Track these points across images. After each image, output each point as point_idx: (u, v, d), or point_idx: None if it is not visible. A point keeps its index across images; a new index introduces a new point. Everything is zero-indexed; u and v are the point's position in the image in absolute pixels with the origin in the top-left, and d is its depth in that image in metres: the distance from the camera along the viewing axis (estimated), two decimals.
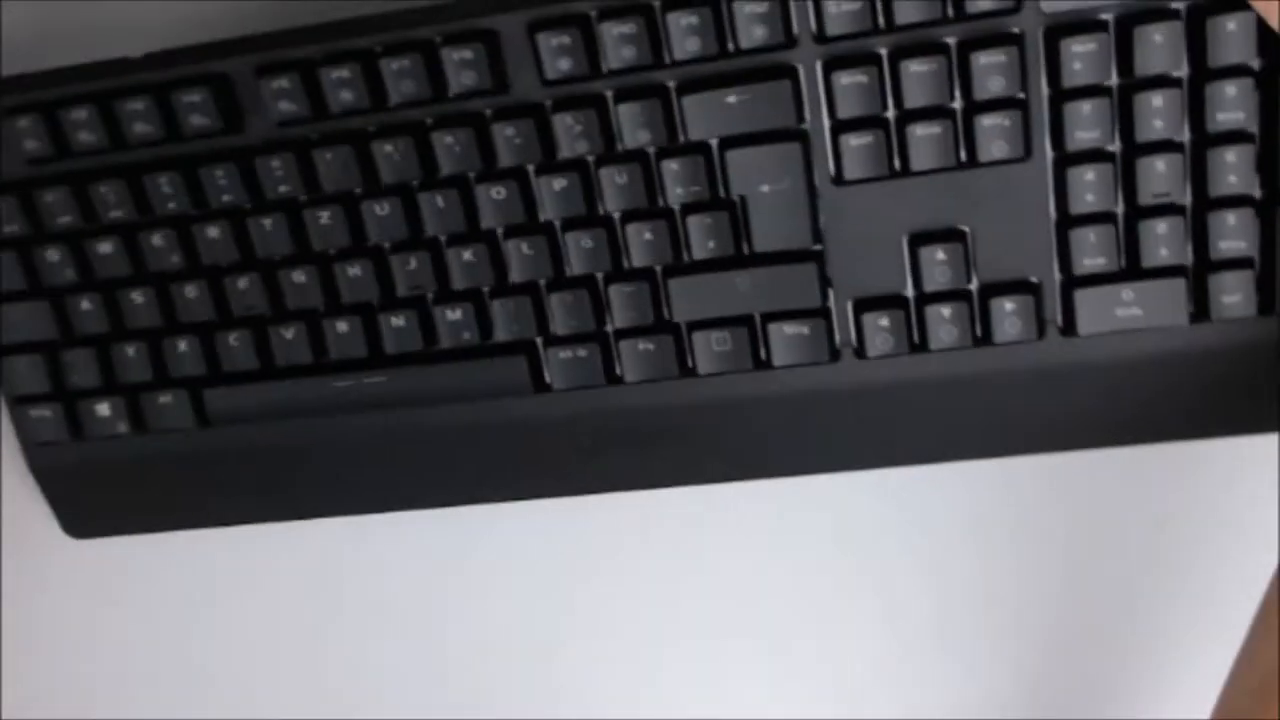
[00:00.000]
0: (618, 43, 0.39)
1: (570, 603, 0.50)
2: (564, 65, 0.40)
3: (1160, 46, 0.37)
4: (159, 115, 0.42)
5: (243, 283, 0.44)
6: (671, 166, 0.41)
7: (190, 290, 0.45)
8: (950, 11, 0.38)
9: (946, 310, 0.41)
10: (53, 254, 0.45)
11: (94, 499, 0.49)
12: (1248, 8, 0.36)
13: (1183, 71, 0.38)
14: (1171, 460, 0.44)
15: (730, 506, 0.47)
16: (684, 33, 0.39)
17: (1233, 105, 0.37)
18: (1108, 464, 0.44)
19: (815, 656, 0.49)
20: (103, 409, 0.47)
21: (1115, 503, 0.45)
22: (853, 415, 0.44)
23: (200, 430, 0.47)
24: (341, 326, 0.45)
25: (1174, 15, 0.37)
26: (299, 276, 0.44)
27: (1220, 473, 0.44)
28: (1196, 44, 0.37)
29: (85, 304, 0.46)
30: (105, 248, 0.45)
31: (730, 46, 0.39)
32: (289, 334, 0.45)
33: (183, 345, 0.46)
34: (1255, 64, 0.37)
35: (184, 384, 0.46)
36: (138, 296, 0.45)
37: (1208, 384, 0.42)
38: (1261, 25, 0.37)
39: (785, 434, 0.44)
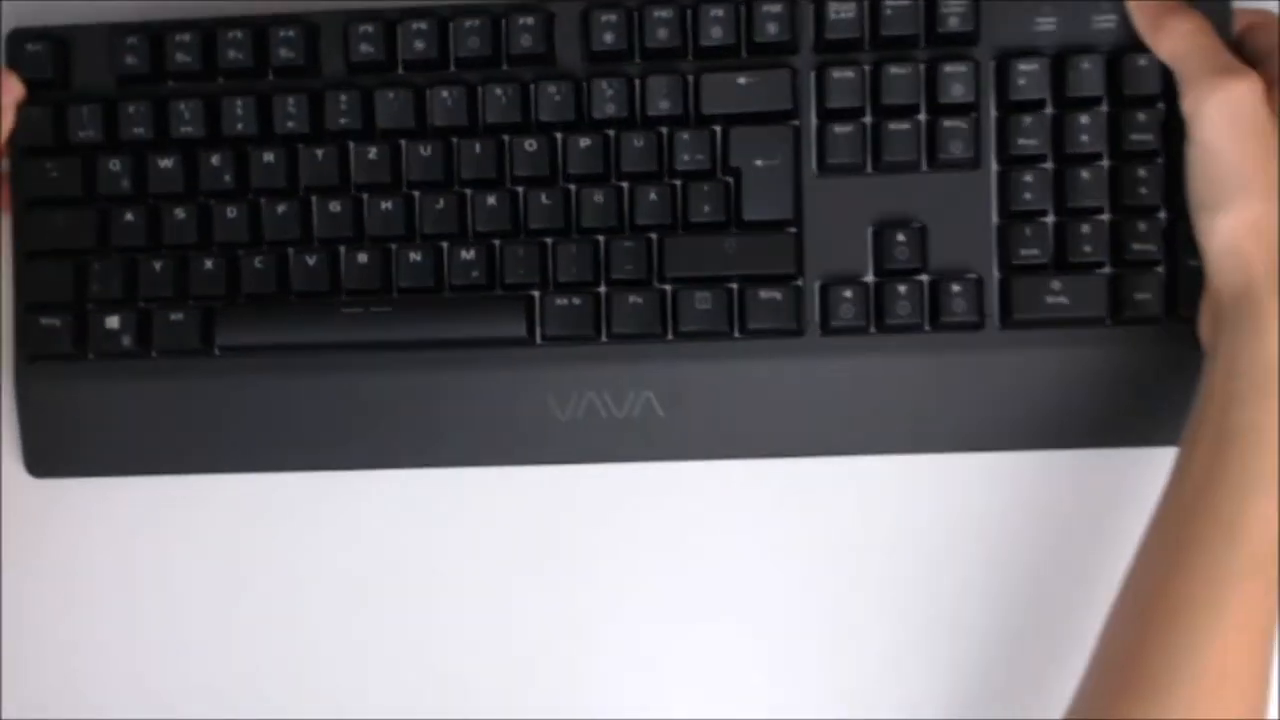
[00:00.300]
0: (655, 25, 0.48)
1: (533, 572, 0.51)
2: (608, 39, 0.48)
3: (1087, 74, 0.46)
4: (251, 47, 0.49)
5: (281, 208, 0.50)
6: (683, 136, 0.48)
7: (231, 211, 0.50)
8: (924, 30, 0.47)
9: (903, 288, 0.47)
10: (114, 164, 0.50)
11: (70, 433, 0.51)
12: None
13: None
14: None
15: (698, 484, 0.51)
16: (710, 23, 0.48)
17: (1143, 128, 0.46)
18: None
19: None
20: (112, 322, 0.50)
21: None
22: (813, 396, 0.48)
23: (202, 360, 0.50)
24: (361, 257, 0.49)
25: (1098, 49, 0.47)
26: (335, 207, 0.49)
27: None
28: (1115, 75, 0.47)
29: (129, 216, 0.50)
30: (165, 162, 0.50)
31: (745, 39, 0.48)
32: (311, 260, 0.50)
33: (209, 264, 0.50)
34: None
35: (199, 303, 0.50)
36: (180, 213, 0.50)
37: (1125, 393, 0.47)
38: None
39: (750, 413, 0.49)
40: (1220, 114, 0.43)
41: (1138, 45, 0.46)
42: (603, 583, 0.51)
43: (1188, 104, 0.43)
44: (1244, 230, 0.42)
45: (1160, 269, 0.47)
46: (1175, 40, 0.44)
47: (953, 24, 0.47)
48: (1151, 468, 0.47)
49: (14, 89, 0.49)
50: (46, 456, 0.51)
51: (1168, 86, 0.46)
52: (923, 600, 0.50)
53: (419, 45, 0.49)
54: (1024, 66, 0.47)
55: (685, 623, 0.51)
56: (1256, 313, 0.42)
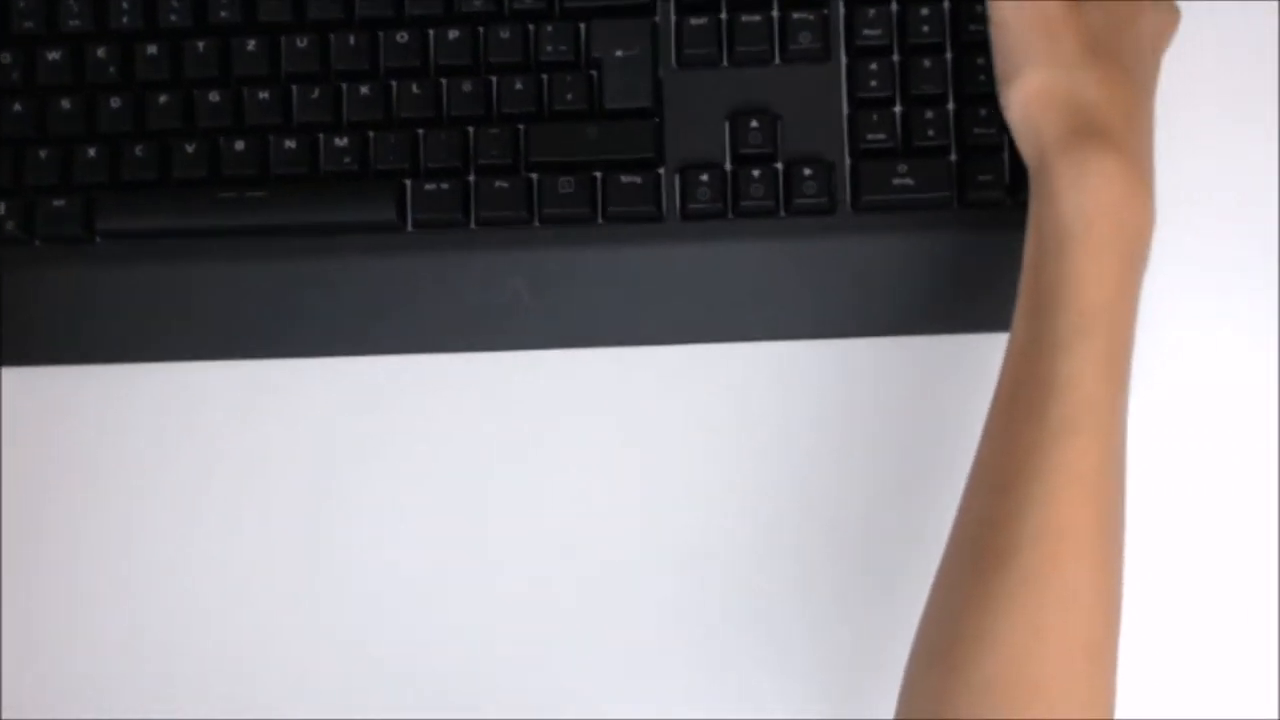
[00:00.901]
0: None
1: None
2: None
3: None
4: None
5: (163, 98, 0.51)
6: (547, 28, 0.50)
7: (115, 101, 0.51)
8: None
9: (757, 172, 0.49)
10: (4, 56, 0.52)
11: None
12: None
13: None
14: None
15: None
16: None
17: (981, 19, 0.49)
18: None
19: None
20: None
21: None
22: (674, 283, 0.50)
23: (85, 246, 0.51)
24: (239, 145, 0.51)
25: None
26: (215, 97, 0.51)
27: None
28: None
29: (16, 107, 0.52)
30: (53, 55, 0.52)
31: None
32: (190, 148, 0.51)
33: (92, 152, 0.52)
34: None
35: (83, 191, 0.51)
36: (66, 104, 0.52)
37: (973, 276, 0.49)
38: None
39: (614, 300, 0.50)
40: None
41: None
42: (461, 472, 0.52)
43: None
44: (1032, 98, 0.43)
45: (1005, 155, 0.49)
46: None
47: None
48: (996, 352, 0.49)
49: None
50: None
51: None
52: (771, 487, 0.50)
53: None
54: None
55: (537, 517, 0.51)
56: (1049, 177, 0.42)
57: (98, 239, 0.51)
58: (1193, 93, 0.50)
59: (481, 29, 0.51)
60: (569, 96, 0.50)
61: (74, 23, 0.52)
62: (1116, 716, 0.42)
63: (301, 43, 0.51)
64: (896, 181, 0.49)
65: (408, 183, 0.51)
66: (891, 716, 0.41)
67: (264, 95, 0.51)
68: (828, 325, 0.50)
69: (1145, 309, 0.42)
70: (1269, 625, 0.49)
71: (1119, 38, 0.44)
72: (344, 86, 0.51)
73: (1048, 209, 0.42)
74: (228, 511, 0.52)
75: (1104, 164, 0.42)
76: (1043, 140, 0.43)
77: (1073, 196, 0.42)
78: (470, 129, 0.50)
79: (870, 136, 0.49)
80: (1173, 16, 0.46)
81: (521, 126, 0.50)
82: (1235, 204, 0.51)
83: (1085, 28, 0.43)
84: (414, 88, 0.51)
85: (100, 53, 0.52)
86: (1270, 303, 0.51)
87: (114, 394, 0.53)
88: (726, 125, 0.50)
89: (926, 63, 0.49)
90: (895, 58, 0.49)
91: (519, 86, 0.50)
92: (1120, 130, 0.42)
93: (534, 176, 0.50)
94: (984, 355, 0.50)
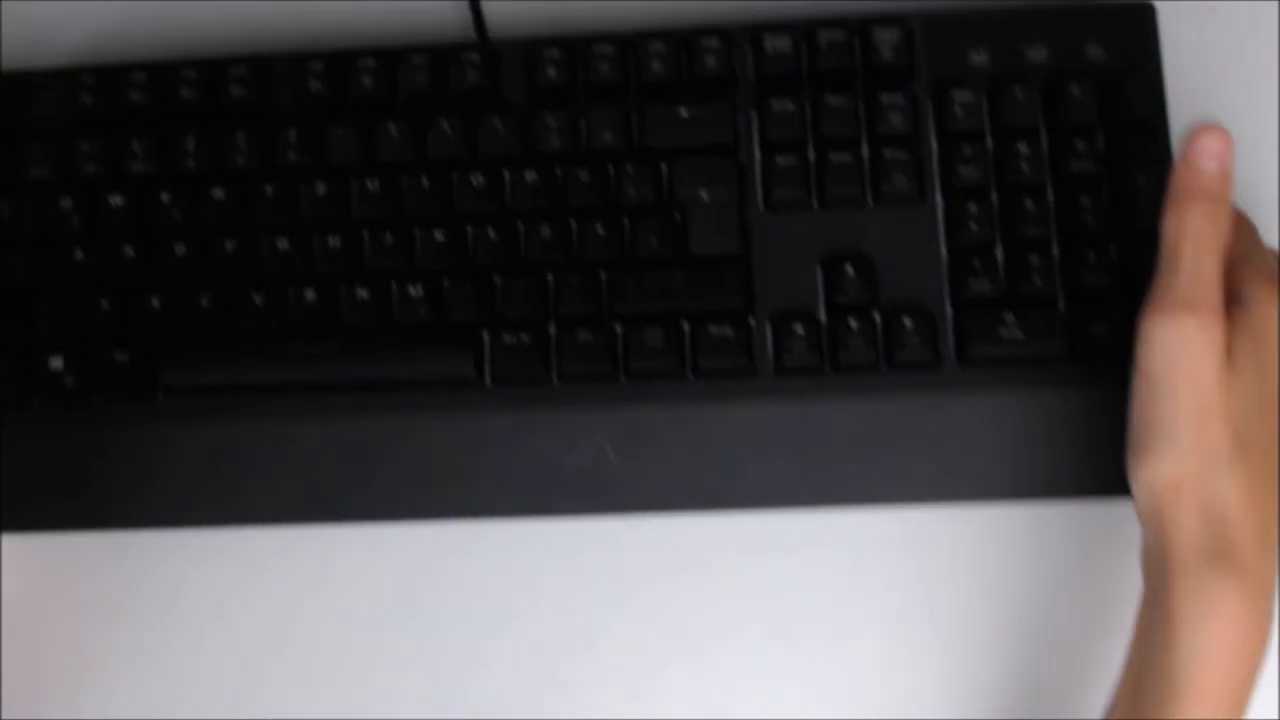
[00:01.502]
0: (598, 60, 0.48)
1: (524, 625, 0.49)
2: (551, 74, 0.48)
3: (1023, 103, 0.47)
4: (204, 85, 0.50)
5: (230, 245, 0.49)
6: (629, 169, 0.48)
7: (179, 248, 0.50)
8: (861, 62, 0.48)
9: (855, 324, 0.47)
10: (66, 201, 0.50)
11: (11, 486, 0.49)
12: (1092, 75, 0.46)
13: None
14: None
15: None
16: (651, 58, 0.48)
17: (1083, 156, 0.46)
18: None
19: None
20: (56, 362, 0.50)
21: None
22: (769, 442, 0.47)
23: (148, 403, 0.49)
24: (309, 295, 0.49)
25: (1033, 79, 0.47)
26: (282, 243, 0.49)
27: None
28: (1052, 104, 0.47)
29: (79, 254, 0.50)
30: (117, 200, 0.50)
31: (686, 73, 0.48)
32: (259, 299, 0.49)
33: (155, 302, 0.50)
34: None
35: (146, 344, 0.49)
36: (130, 251, 0.50)
37: (1089, 434, 0.46)
38: (1102, 90, 0.46)
39: (705, 462, 0.47)
40: (1163, 347, 0.40)
41: (1072, 73, 0.47)
42: (560, 638, 0.49)
43: (1142, 321, 0.41)
44: (1164, 488, 0.40)
45: (1118, 302, 0.46)
46: (1177, 224, 0.42)
47: (888, 57, 0.47)
48: (1111, 518, 0.46)
49: None
50: None
51: (1105, 113, 0.47)
52: (880, 655, 0.48)
53: (367, 83, 0.49)
54: (960, 96, 0.47)
55: (638, 679, 0.49)
56: (1168, 597, 0.39)
57: (161, 395, 0.49)
58: (1193, 92, 0.49)
59: (559, 169, 0.49)
60: (653, 241, 0.48)
61: (137, 166, 0.50)
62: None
63: (372, 185, 0.49)
64: (1004, 334, 0.46)
65: (485, 334, 0.48)
66: None
67: (334, 241, 0.49)
68: (934, 489, 0.46)
69: None
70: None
71: (1269, 425, 0.40)
72: (417, 231, 0.49)
73: (1160, 637, 0.39)
74: (294, 679, 0.49)
75: (1229, 602, 0.38)
76: (1167, 542, 0.40)
77: (1190, 637, 0.38)
78: (549, 275, 0.48)
79: (973, 284, 0.46)
80: None
81: (603, 273, 0.48)
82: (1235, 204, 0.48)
83: (1237, 413, 0.40)
84: (490, 232, 0.48)
85: (164, 197, 0.50)
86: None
87: (171, 558, 0.50)
88: (819, 271, 0.47)
89: (1029, 203, 0.47)
90: (994, 198, 0.47)
91: (600, 231, 0.48)
92: (1254, 553, 0.39)
93: (618, 328, 0.48)
94: (1100, 522, 0.47)
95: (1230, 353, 0.40)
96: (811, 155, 0.48)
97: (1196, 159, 0.42)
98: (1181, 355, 0.40)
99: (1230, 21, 0.51)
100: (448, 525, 0.49)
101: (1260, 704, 0.46)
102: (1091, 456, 0.46)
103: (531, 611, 0.49)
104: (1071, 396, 0.46)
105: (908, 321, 0.46)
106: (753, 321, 0.47)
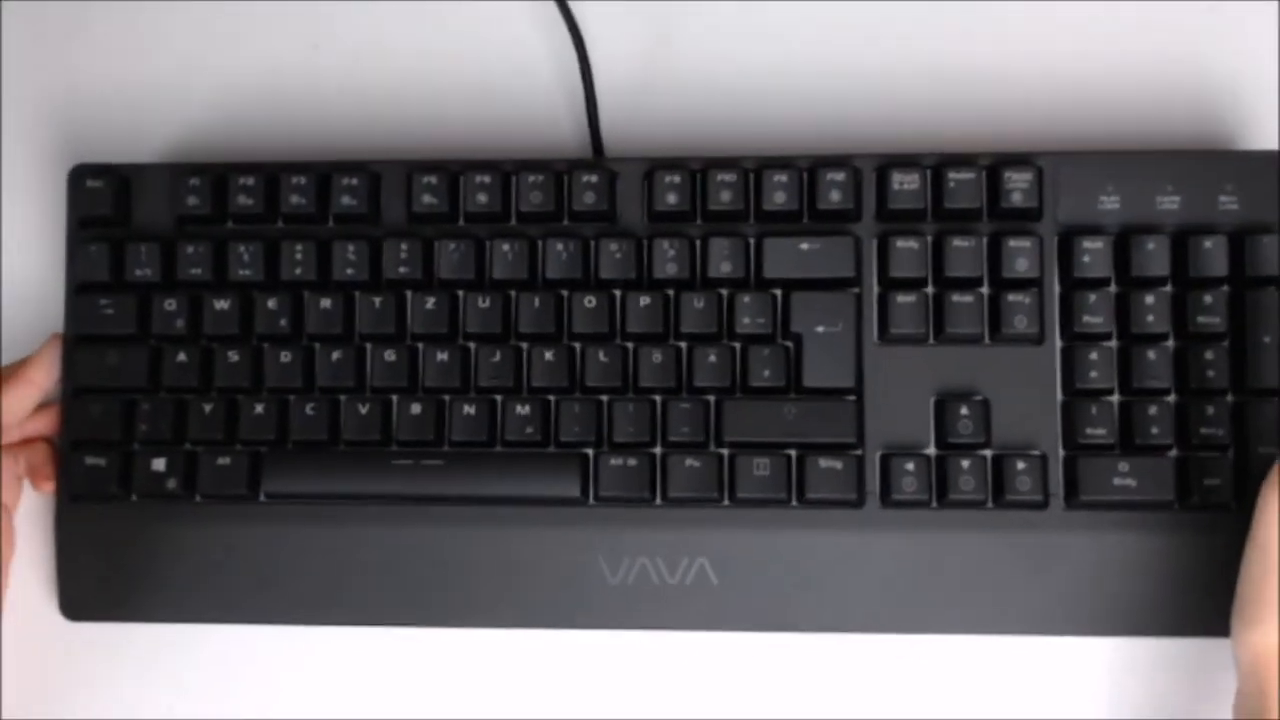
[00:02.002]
0: (718, 188, 0.48)
1: None
2: (671, 200, 0.48)
3: (1152, 253, 0.46)
4: (313, 192, 0.49)
5: (336, 355, 0.49)
6: (744, 299, 0.48)
7: (285, 355, 0.49)
8: (987, 204, 0.47)
9: (966, 463, 0.47)
10: (170, 303, 0.50)
11: (108, 577, 0.49)
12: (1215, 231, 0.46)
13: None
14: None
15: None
16: (774, 188, 0.48)
17: (1209, 310, 0.46)
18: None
19: None
20: (158, 464, 0.50)
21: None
22: (871, 571, 0.47)
23: (248, 506, 0.49)
24: (414, 408, 0.49)
25: (1163, 230, 0.47)
26: (390, 356, 0.49)
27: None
28: (1180, 256, 0.47)
29: (182, 356, 0.50)
30: (221, 304, 0.49)
31: (808, 205, 0.48)
32: (363, 409, 0.49)
33: (259, 408, 0.49)
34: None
35: (248, 448, 0.49)
36: (233, 355, 0.49)
37: (1193, 581, 0.46)
38: (1233, 245, 0.46)
39: (805, 586, 0.47)
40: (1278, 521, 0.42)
41: (1203, 227, 0.47)
42: None
43: (1261, 493, 0.43)
44: (1265, 654, 0.41)
45: (1230, 453, 0.46)
46: None
47: (1016, 199, 0.47)
48: (1215, 658, 0.46)
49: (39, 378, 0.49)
50: (83, 600, 0.49)
51: (1234, 268, 0.46)
52: None
53: (481, 198, 0.49)
54: (1088, 244, 0.47)
55: None
56: None
57: (262, 499, 0.49)
58: (1262, 112, 0.49)
59: (673, 293, 0.48)
60: (766, 372, 0.47)
61: (244, 272, 0.49)
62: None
63: (483, 302, 0.49)
64: (1117, 482, 0.46)
65: (591, 453, 0.48)
66: None
67: (442, 356, 0.49)
68: (1030, 622, 0.47)
69: None
70: None
71: None
72: (527, 349, 0.48)
73: None
74: None
75: None
76: (1265, 702, 0.41)
77: None
78: (659, 399, 0.48)
79: (1089, 431, 0.46)
80: None
81: (713, 399, 0.48)
82: None
83: None
84: (601, 355, 0.48)
85: (270, 304, 0.49)
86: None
87: (260, 654, 0.50)
88: (932, 408, 0.47)
89: (1150, 354, 0.46)
90: (1114, 344, 0.47)
91: (712, 359, 0.48)
92: None
93: (725, 453, 0.48)
94: (1203, 659, 0.47)
95: None
96: (930, 291, 0.48)
97: None
98: None
99: (1230, 21, 0.51)
100: (541, 634, 0.49)
101: None
102: (1189, 599, 0.46)
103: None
104: (1176, 543, 0.46)
105: (1019, 463, 0.46)
106: (861, 453, 0.47)
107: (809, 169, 0.48)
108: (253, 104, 0.54)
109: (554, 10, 0.52)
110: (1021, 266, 0.47)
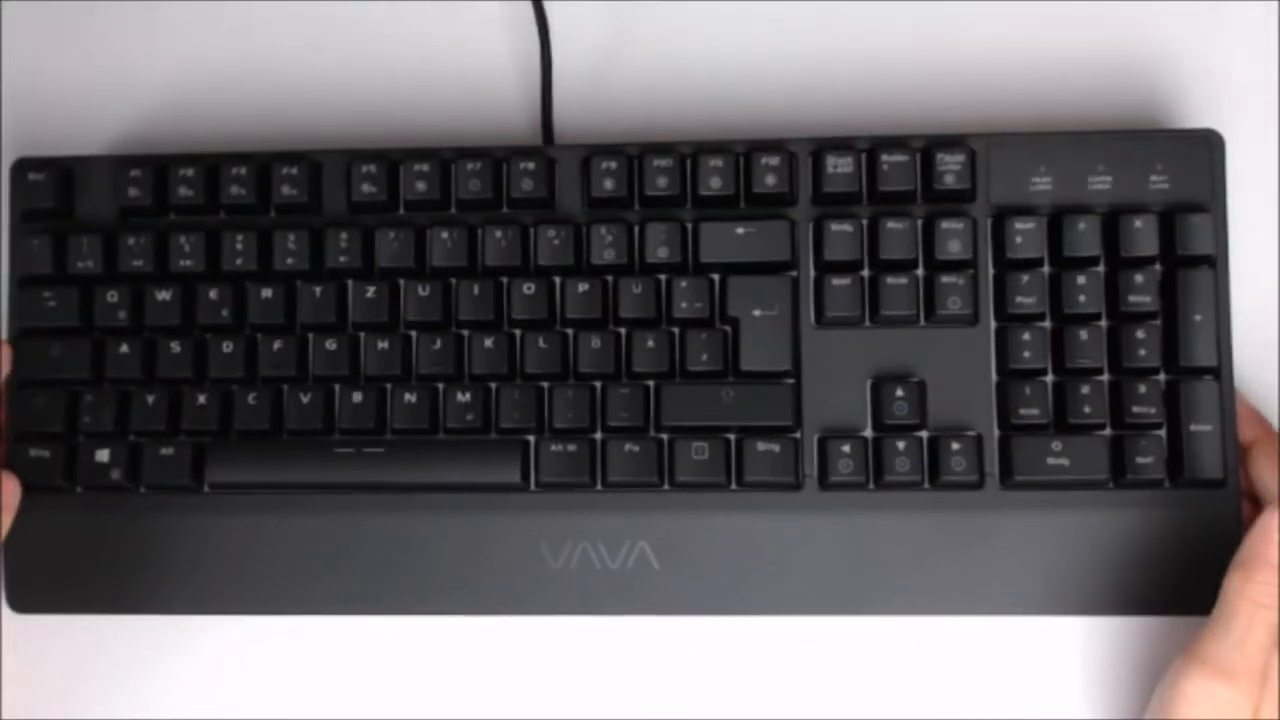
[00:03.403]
0: (655, 173, 0.48)
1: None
2: (608, 186, 0.48)
3: (1083, 234, 0.47)
4: (254, 183, 0.49)
5: (277, 344, 0.49)
6: (681, 284, 0.48)
7: (227, 346, 0.49)
8: (921, 187, 0.48)
9: (902, 444, 0.47)
10: (112, 295, 0.50)
11: (54, 568, 0.50)
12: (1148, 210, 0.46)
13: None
14: None
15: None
16: (709, 173, 0.48)
17: (1140, 290, 0.46)
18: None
19: None
20: (102, 455, 0.50)
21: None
22: (810, 553, 0.47)
23: (192, 496, 0.49)
24: (356, 397, 0.49)
25: (1094, 210, 0.47)
26: (331, 345, 0.49)
27: None
28: (1111, 236, 0.47)
29: (124, 348, 0.50)
30: (164, 295, 0.50)
31: (744, 190, 0.48)
32: (305, 398, 0.49)
33: (202, 399, 0.49)
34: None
35: (191, 439, 0.49)
36: (175, 346, 0.50)
37: (1126, 559, 0.47)
38: (1163, 224, 0.46)
39: (745, 569, 0.48)
40: (1192, 703, 0.42)
41: (1134, 206, 0.47)
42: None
43: (1178, 667, 0.43)
44: (1207, 702, 0.42)
45: (1161, 432, 0.46)
46: (1239, 588, 0.43)
47: (949, 181, 0.47)
48: (1150, 634, 0.47)
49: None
50: (29, 591, 0.50)
51: (1165, 247, 0.47)
52: None
53: (420, 186, 0.49)
54: (1021, 225, 0.47)
55: None
56: None
57: (206, 489, 0.49)
58: (1192, 92, 0.50)
59: (611, 279, 0.49)
60: (703, 356, 0.48)
61: (185, 263, 0.50)
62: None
63: (423, 290, 0.49)
64: (1051, 461, 0.46)
65: (531, 439, 0.48)
66: None
67: (383, 345, 0.49)
68: (969, 602, 0.47)
69: None
70: None
71: None
72: (468, 336, 0.49)
73: None
74: None
75: None
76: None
77: None
78: (598, 385, 0.48)
79: (1023, 411, 0.46)
80: None
81: (651, 384, 0.48)
82: (1236, 205, 0.48)
83: None
84: (540, 341, 0.48)
85: (212, 294, 0.49)
86: (1271, 304, 0.49)
87: (205, 643, 0.51)
88: (869, 390, 0.48)
89: (1082, 334, 0.47)
90: (1047, 325, 0.47)
91: (650, 344, 0.48)
92: None
93: (664, 438, 0.48)
94: (1138, 636, 0.48)
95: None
96: (866, 274, 0.48)
97: (1276, 530, 0.43)
98: (1260, 607, 0.42)
99: (1230, 21, 0.51)
100: (482, 620, 0.49)
101: None
102: (1124, 576, 0.46)
103: (568, 706, 0.50)
104: (1111, 521, 0.46)
105: (955, 444, 0.47)
106: (799, 436, 0.48)
107: (744, 154, 0.48)
108: (200, 97, 0.54)
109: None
110: (955, 248, 0.47)
